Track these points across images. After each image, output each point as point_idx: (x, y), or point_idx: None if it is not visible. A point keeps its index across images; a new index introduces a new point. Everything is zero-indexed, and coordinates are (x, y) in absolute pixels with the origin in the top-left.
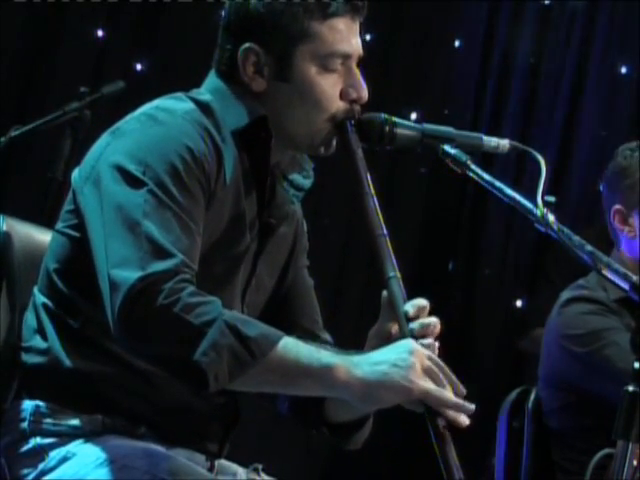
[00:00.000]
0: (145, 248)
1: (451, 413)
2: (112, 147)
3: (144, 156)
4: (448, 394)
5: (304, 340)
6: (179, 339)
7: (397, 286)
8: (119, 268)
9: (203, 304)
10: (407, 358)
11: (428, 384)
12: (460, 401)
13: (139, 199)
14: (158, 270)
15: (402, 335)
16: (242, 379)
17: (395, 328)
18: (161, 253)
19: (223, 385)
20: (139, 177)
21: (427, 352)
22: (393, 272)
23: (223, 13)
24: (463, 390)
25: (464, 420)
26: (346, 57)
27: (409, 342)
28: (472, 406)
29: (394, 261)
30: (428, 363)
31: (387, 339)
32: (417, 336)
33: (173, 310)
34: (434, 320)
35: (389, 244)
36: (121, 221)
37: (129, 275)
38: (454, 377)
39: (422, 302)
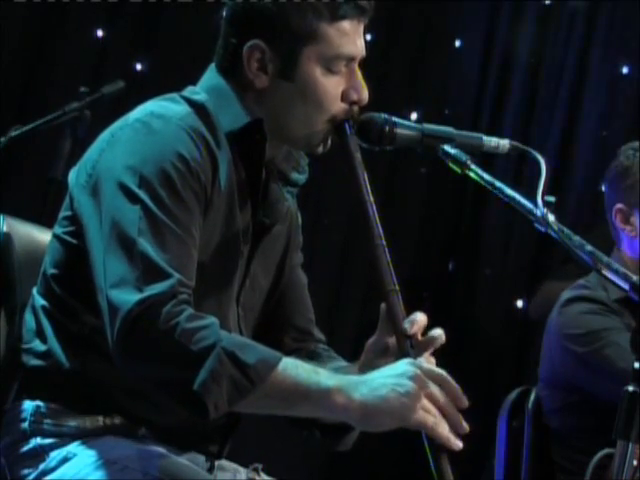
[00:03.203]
0: (141, 268)
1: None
2: (107, 155)
3: (139, 167)
4: (441, 430)
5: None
6: (178, 366)
7: (396, 300)
8: (117, 289)
9: (201, 329)
10: (406, 383)
11: (424, 416)
12: (451, 437)
13: (134, 215)
14: (155, 293)
15: (401, 353)
16: (241, 405)
17: (392, 342)
18: (157, 273)
19: (222, 412)
20: (134, 191)
21: (427, 367)
22: (391, 285)
23: (227, 8)
24: (466, 403)
25: (457, 444)
26: (351, 59)
27: (409, 365)
28: (460, 444)
29: (392, 272)
30: (429, 388)
31: (384, 352)
32: (419, 349)
33: (172, 336)
34: (439, 332)
35: (387, 254)
36: (118, 238)
37: (127, 298)
38: (457, 389)
39: (420, 317)
